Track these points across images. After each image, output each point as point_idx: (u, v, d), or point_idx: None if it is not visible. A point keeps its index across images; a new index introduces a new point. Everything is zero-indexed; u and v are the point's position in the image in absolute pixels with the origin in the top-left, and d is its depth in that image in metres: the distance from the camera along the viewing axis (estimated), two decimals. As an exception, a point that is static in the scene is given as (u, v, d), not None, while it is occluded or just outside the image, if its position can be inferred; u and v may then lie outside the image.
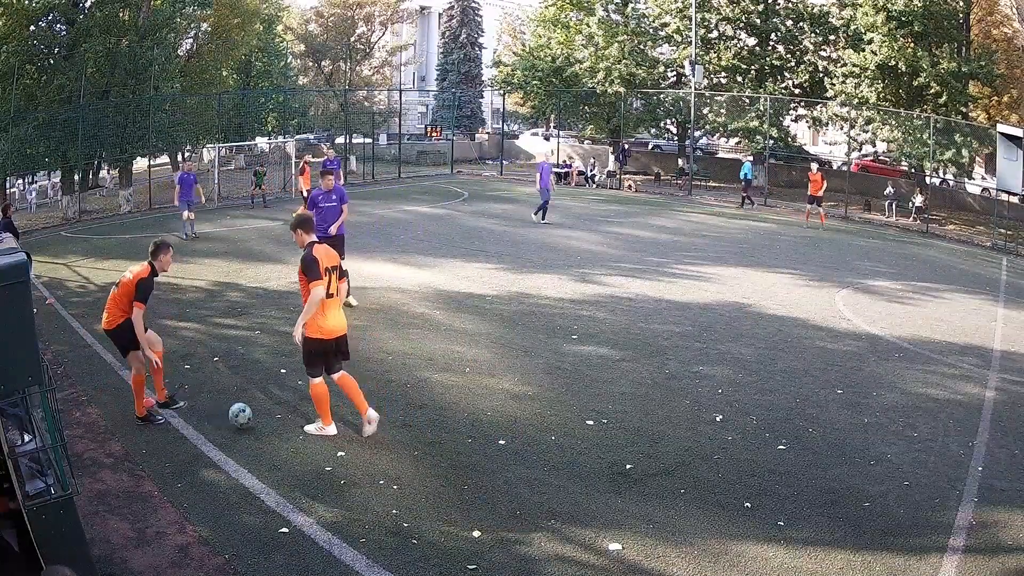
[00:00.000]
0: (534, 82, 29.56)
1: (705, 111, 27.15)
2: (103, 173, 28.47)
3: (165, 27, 22.29)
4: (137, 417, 6.12)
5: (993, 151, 20.67)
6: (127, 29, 21.13)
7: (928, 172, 22.63)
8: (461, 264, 12.40)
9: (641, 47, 28.43)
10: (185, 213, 15.09)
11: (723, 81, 27.72)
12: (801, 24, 26.23)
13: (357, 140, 32.23)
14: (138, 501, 4.82)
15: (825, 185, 18.98)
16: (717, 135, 31.12)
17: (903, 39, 22.69)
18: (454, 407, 6.43)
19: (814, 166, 19.90)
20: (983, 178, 26.69)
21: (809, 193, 18.80)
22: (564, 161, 29.55)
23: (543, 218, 17.25)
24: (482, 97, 45.78)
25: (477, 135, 41.88)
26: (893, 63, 22.60)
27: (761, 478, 5.28)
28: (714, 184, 27.79)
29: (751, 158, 25.96)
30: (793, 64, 26.76)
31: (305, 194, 17.07)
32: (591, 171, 28.47)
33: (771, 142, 25.40)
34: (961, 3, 23.57)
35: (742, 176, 23.40)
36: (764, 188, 25.18)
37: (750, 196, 23.07)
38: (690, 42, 26.48)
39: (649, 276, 11.97)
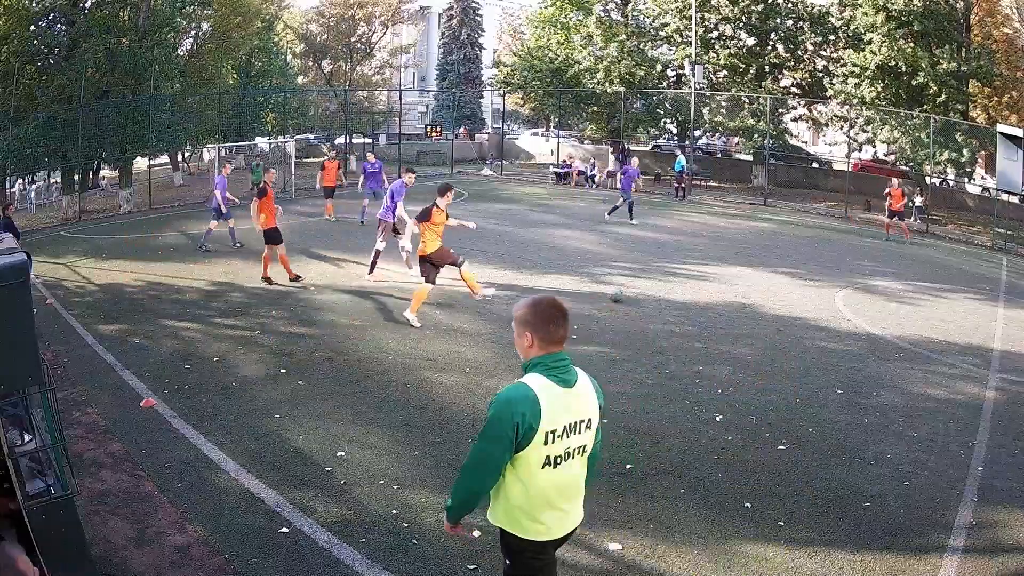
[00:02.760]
0: (534, 82, 29.55)
1: (704, 111, 27.16)
2: (102, 173, 28.46)
3: (165, 27, 22.28)
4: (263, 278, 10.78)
5: (993, 151, 20.67)
6: (127, 29, 21.12)
7: (928, 172, 22.64)
8: (461, 264, 12.39)
9: (641, 47, 28.43)
10: (216, 223, 13.97)
11: (723, 81, 27.72)
12: (801, 24, 26.23)
13: (357, 140, 32.23)
14: (138, 501, 4.82)
15: (906, 200, 18.56)
16: (717, 135, 31.15)
17: (903, 39, 22.69)
18: (454, 407, 6.42)
19: (895, 181, 19.20)
20: (983, 178, 26.69)
21: (889, 208, 18.16)
22: (564, 161, 29.56)
23: (626, 217, 17.73)
24: (482, 97, 45.79)
25: (476, 136, 41.83)
26: (893, 63, 22.61)
27: (761, 478, 5.28)
28: (714, 184, 27.80)
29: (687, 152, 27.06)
30: (793, 64, 26.78)
31: (319, 187, 18.12)
32: (591, 171, 28.46)
33: (771, 142, 25.43)
34: (961, 3, 23.58)
35: (676, 169, 24.88)
36: (764, 188, 25.20)
37: (683, 188, 24.51)
38: (690, 42, 26.47)
39: (649, 276, 11.97)
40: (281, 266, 10.93)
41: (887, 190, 18.36)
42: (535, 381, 2.69)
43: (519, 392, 2.66)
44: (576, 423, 2.75)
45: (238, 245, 14.10)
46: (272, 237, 10.85)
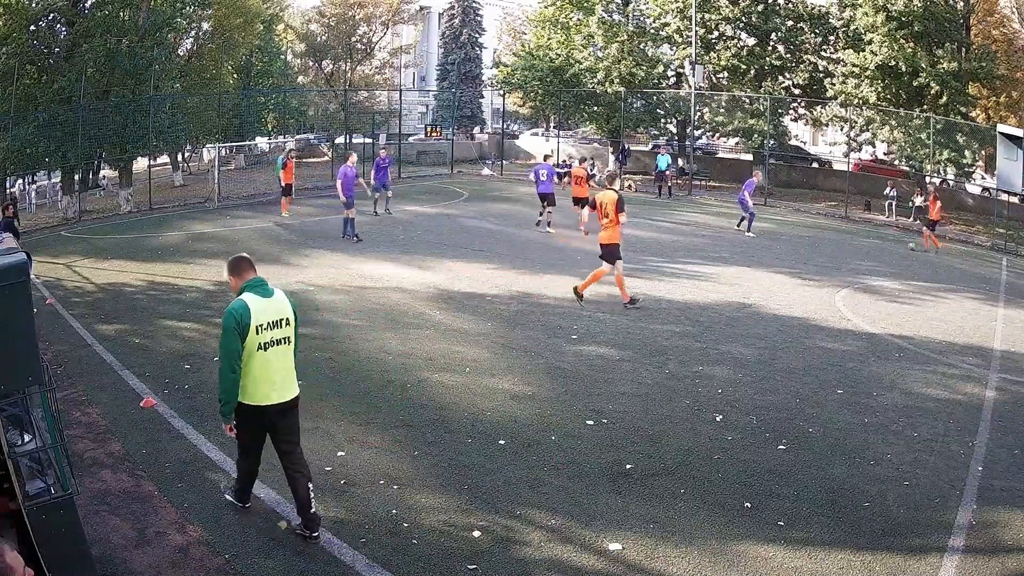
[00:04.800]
0: (534, 82, 29.55)
1: (704, 111, 27.15)
2: (102, 173, 28.45)
3: (165, 27, 22.27)
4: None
5: (993, 151, 20.67)
6: (127, 29, 21.10)
7: (928, 172, 22.64)
8: (461, 264, 12.40)
9: (641, 47, 28.42)
10: (353, 210, 14.49)
11: (724, 82, 27.72)
12: (801, 24, 26.22)
13: (357, 140, 32.24)
14: (138, 501, 4.82)
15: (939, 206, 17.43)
16: (717, 135, 31.15)
17: (903, 39, 22.67)
18: (454, 407, 6.43)
19: (929, 188, 18.40)
20: (983, 178, 26.70)
21: (929, 217, 17.24)
22: (564, 161, 29.54)
23: (748, 229, 16.95)
24: (482, 97, 45.76)
25: (476, 136, 41.81)
26: (893, 63, 22.59)
27: (761, 478, 5.28)
28: (714, 184, 27.78)
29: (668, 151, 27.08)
30: (793, 64, 26.77)
31: (282, 185, 18.36)
32: (591, 171, 28.44)
33: (771, 142, 25.42)
34: (961, 3, 23.57)
35: (661, 167, 24.90)
36: (764, 188, 25.20)
37: (668, 186, 24.68)
38: (690, 42, 26.47)
39: (649, 276, 11.97)
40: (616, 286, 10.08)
41: (931, 195, 17.36)
42: (245, 296, 4.30)
43: (237, 304, 4.25)
44: (277, 320, 4.31)
45: (356, 239, 14.33)
46: (610, 254, 9.80)
